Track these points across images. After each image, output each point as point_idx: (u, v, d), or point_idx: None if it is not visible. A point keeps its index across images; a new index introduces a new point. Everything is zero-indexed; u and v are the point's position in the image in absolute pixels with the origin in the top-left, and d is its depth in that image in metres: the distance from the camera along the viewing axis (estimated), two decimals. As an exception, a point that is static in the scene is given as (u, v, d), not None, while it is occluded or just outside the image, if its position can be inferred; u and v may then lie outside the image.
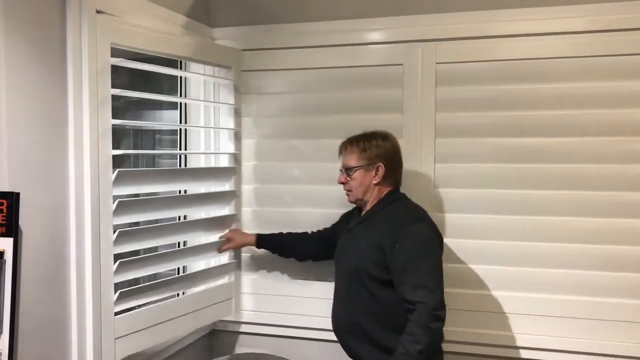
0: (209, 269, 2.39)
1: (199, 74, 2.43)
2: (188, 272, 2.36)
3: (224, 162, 2.50)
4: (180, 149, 2.50)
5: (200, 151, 2.49)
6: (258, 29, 2.47)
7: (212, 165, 2.50)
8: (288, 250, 2.36)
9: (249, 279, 2.55)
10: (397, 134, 2.31)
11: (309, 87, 2.45)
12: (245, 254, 2.55)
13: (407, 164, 2.31)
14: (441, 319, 1.86)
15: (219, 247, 2.35)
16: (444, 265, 2.01)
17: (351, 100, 2.40)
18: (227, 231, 2.37)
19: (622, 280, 2.15)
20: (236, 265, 2.51)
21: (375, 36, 2.36)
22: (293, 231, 2.37)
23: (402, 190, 2.14)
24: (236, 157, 2.50)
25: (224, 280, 2.46)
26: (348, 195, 2.10)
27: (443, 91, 2.29)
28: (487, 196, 2.27)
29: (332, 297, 2.26)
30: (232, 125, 2.48)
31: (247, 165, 2.53)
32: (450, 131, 2.29)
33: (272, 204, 2.52)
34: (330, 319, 2.17)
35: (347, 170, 2.06)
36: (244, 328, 2.56)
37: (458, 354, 2.25)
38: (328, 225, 2.37)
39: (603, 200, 2.15)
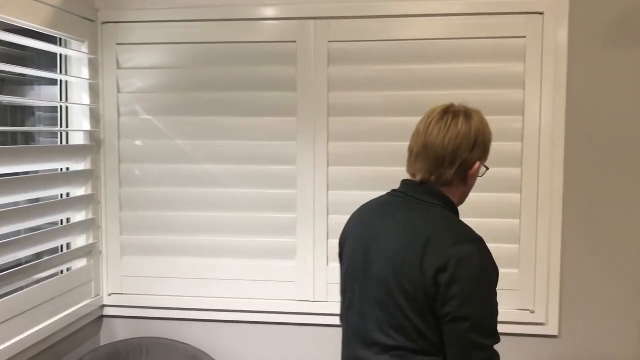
0: (71, 251, 2.30)
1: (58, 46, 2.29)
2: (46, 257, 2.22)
3: (84, 139, 2.39)
4: (61, 127, 2.36)
5: (77, 129, 2.37)
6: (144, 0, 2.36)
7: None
8: None
9: (131, 261, 2.47)
10: (291, 113, 2.33)
11: (196, 63, 2.38)
12: (128, 236, 2.46)
13: (302, 143, 2.33)
14: None
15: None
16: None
17: (243, 77, 2.36)
18: None
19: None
20: (99, 247, 2.45)
21: (267, 12, 2.32)
22: None
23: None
24: (92, 135, 2.40)
25: (85, 263, 2.39)
26: None
27: (335, 70, 2.30)
28: (374, 174, 2.32)
29: (224, 276, 2.36)
30: (87, 101, 2.37)
31: (125, 143, 2.44)
32: (343, 110, 2.32)
33: (150, 184, 2.44)
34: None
35: None
36: (134, 313, 2.47)
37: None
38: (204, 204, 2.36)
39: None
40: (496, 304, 1.40)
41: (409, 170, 1.54)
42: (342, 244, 1.66)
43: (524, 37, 2.20)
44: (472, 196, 2.24)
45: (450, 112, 1.48)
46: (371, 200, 1.62)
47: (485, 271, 1.38)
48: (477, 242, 1.40)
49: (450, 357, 1.38)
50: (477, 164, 1.48)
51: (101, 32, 2.40)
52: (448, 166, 1.45)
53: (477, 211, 2.28)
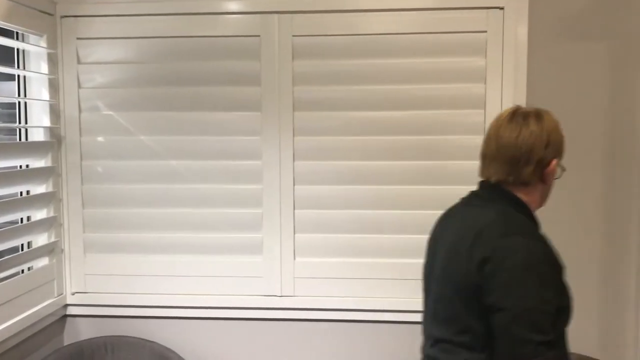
0: (32, 249, 2.24)
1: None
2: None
3: (44, 136, 2.33)
4: (19, 123, 2.30)
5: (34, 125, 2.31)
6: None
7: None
8: None
9: (95, 259, 2.43)
10: (255, 108, 2.32)
11: (159, 57, 2.35)
12: (91, 233, 2.42)
13: (267, 137, 2.32)
14: None
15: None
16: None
17: (206, 71, 2.34)
18: None
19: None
20: (60, 245, 2.40)
21: (230, 5, 2.30)
22: None
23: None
24: (53, 131, 2.34)
25: (47, 262, 2.34)
26: None
27: (300, 64, 2.30)
28: (340, 168, 2.33)
29: (189, 273, 2.37)
30: (46, 97, 2.31)
31: (87, 140, 2.39)
32: (308, 105, 2.32)
33: (113, 180, 2.40)
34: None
35: None
36: (98, 311, 2.44)
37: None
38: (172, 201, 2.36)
39: (441, 168, 2.30)
40: (549, 299, 1.36)
41: (482, 175, 1.56)
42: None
43: (485, 31, 2.23)
44: (434, 189, 2.30)
45: (519, 114, 1.50)
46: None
47: (531, 264, 1.37)
48: (528, 236, 1.42)
49: (497, 351, 1.38)
50: (555, 162, 1.48)
51: (60, 26, 2.35)
52: (524, 165, 1.46)
53: (438, 203, 2.29)
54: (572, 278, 2.28)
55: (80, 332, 2.46)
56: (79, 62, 2.37)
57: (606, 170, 2.26)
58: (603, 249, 2.29)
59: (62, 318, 2.45)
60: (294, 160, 2.33)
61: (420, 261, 2.29)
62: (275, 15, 2.29)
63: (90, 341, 2.36)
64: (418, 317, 2.30)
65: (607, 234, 2.29)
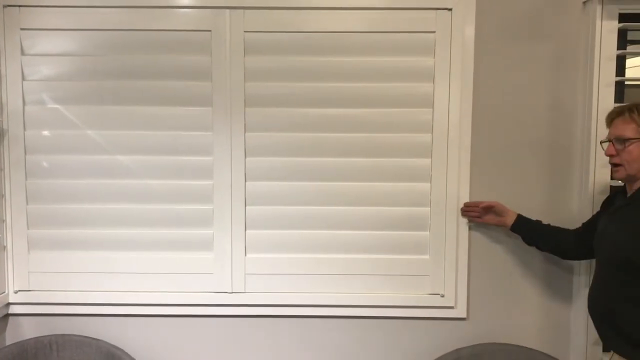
0: None
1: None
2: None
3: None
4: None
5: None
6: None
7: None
8: (548, 242, 2.17)
9: (40, 257, 2.37)
10: (206, 103, 2.31)
11: (108, 50, 2.30)
12: (35, 230, 2.35)
13: (218, 133, 2.31)
14: None
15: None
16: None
17: (156, 65, 2.30)
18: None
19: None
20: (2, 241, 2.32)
21: None
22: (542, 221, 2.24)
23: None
24: None
25: None
26: (616, 170, 1.86)
27: (252, 60, 2.30)
28: (292, 164, 2.34)
29: (139, 270, 2.31)
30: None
31: (32, 134, 2.33)
32: (259, 101, 2.32)
33: (59, 176, 2.34)
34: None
35: (620, 141, 1.83)
36: (43, 310, 2.37)
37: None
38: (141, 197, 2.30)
39: (391, 165, 2.33)
40: None
41: None
42: None
43: (434, 32, 2.28)
44: (384, 185, 2.33)
45: None
46: None
47: None
48: None
49: None
50: None
51: (2, 16, 2.27)
52: None
53: (390, 200, 2.35)
54: (518, 271, 2.37)
55: (24, 331, 2.40)
56: (22, 53, 2.30)
57: (549, 166, 2.35)
58: (544, 244, 2.37)
59: (4, 317, 2.37)
60: (245, 156, 2.33)
61: (370, 256, 2.36)
62: (227, 11, 2.28)
63: (34, 340, 2.31)
64: (368, 312, 2.38)
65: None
